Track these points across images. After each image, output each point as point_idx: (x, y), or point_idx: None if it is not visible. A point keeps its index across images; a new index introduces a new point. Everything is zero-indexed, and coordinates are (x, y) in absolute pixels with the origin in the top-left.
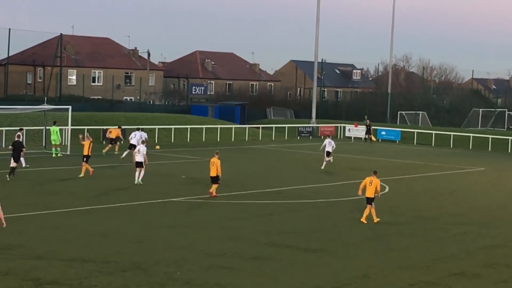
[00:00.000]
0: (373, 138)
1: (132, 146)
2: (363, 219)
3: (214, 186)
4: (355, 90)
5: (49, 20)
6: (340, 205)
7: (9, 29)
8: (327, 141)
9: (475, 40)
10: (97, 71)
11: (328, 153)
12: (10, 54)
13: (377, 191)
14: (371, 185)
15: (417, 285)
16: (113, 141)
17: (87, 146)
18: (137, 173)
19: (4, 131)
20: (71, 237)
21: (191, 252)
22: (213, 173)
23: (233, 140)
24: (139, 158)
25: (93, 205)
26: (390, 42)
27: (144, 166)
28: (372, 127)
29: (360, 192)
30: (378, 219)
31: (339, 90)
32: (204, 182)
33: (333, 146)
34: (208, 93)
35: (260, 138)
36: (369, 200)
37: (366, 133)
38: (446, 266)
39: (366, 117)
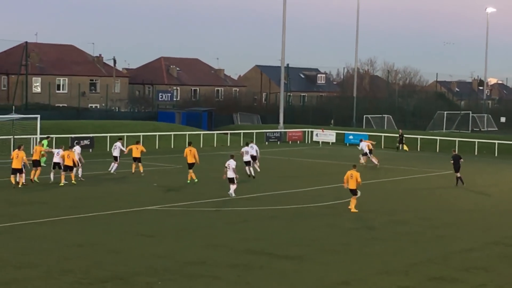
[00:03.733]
0: (406, 148)
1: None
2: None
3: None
4: (320, 94)
5: (12, 28)
6: (314, 211)
7: None
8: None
9: (438, 43)
10: (61, 79)
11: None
12: None
13: (358, 182)
14: (352, 178)
15: None
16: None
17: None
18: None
19: None
20: (48, 248)
21: (170, 261)
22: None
23: (201, 146)
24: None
25: (67, 215)
26: (355, 46)
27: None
28: (405, 136)
29: (345, 185)
30: (356, 211)
31: (304, 94)
32: (177, 189)
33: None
34: (174, 99)
35: (228, 144)
36: (352, 192)
37: (399, 142)
38: (424, 270)
39: (400, 130)
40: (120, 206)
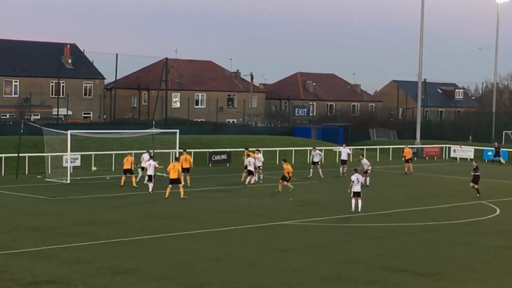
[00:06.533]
0: (502, 160)
1: None
2: None
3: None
4: (458, 109)
5: (153, 45)
6: (451, 228)
7: (116, 54)
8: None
9: None
10: (200, 94)
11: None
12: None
13: None
14: None
15: None
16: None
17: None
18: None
19: (113, 155)
20: (186, 261)
21: (305, 276)
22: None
23: (337, 161)
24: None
25: (204, 229)
26: (494, 60)
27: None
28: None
29: None
30: None
31: (441, 110)
32: (312, 205)
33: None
34: (310, 114)
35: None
36: None
37: (495, 155)
38: None
39: (496, 143)
40: (256, 220)
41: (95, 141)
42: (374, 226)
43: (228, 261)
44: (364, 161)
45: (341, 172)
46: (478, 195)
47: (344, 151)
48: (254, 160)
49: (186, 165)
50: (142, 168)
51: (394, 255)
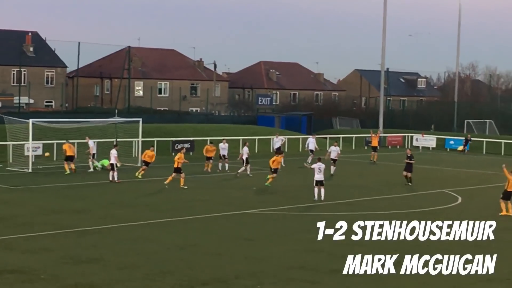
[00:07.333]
0: (460, 148)
1: None
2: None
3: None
4: (420, 99)
5: (115, 33)
6: (412, 217)
7: (79, 42)
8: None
9: None
10: (163, 83)
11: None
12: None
13: None
14: None
15: None
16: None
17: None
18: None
19: (76, 144)
20: (149, 250)
21: (269, 265)
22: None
23: (300, 150)
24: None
25: (168, 218)
26: (457, 50)
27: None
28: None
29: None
30: None
31: (404, 99)
32: (277, 193)
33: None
34: (274, 103)
35: (328, 149)
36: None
37: (464, 145)
38: None
39: (469, 135)
40: (220, 209)
41: (57, 130)
42: (337, 214)
43: (191, 250)
44: (335, 148)
45: (307, 161)
46: (409, 184)
47: (312, 141)
48: (247, 149)
49: (149, 160)
50: (93, 156)
51: (358, 243)
